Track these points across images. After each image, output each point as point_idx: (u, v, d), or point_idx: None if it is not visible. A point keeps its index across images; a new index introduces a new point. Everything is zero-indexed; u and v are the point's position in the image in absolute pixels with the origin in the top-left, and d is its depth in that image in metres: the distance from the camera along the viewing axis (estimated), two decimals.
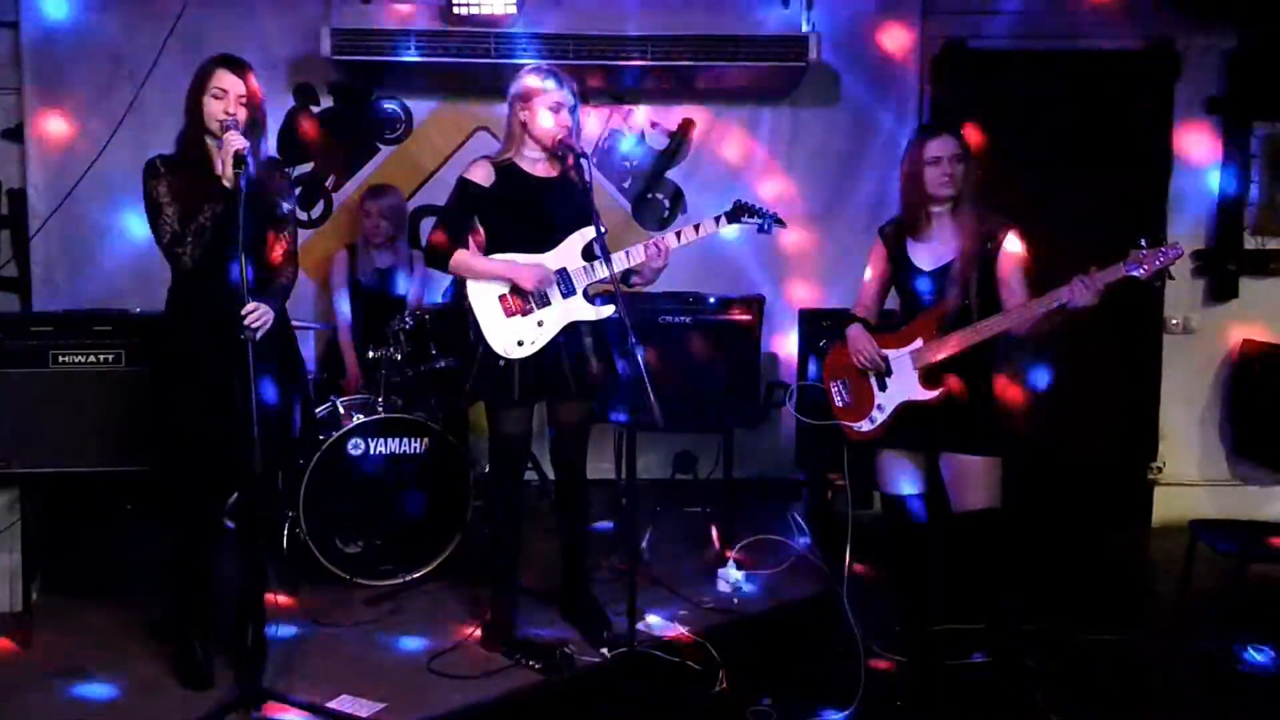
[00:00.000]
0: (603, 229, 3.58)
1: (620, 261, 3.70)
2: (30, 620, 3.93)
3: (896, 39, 5.70)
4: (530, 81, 3.71)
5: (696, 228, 3.80)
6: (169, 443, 3.48)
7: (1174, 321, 5.77)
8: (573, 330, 3.75)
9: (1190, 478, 5.85)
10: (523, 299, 3.71)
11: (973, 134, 3.63)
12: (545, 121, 3.68)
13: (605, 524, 5.00)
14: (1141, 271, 3.27)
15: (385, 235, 5.23)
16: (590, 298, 3.77)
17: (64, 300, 5.41)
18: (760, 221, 3.85)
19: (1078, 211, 5.24)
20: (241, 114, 3.38)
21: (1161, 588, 4.65)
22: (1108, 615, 4.34)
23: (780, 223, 3.90)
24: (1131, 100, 5.57)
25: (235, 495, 3.73)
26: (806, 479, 5.40)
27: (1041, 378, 5.28)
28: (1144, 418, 5.73)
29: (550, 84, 3.69)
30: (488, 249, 3.80)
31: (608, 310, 3.75)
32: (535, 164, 3.78)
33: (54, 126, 5.50)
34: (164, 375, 3.51)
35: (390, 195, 5.30)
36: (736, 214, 3.84)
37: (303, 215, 5.78)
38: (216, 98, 3.37)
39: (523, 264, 3.70)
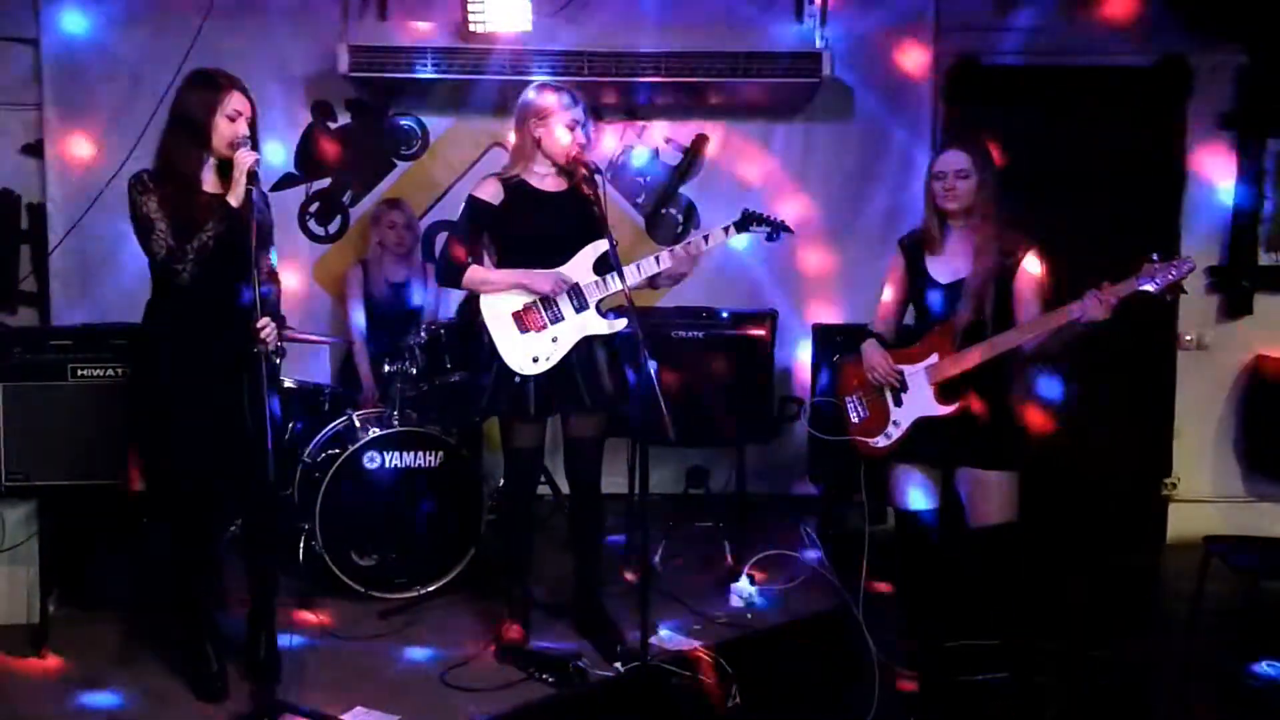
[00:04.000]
0: (614, 241, 3.61)
1: (649, 267, 3.74)
2: (47, 633, 3.94)
3: (910, 55, 5.72)
4: (545, 99, 3.73)
5: (706, 238, 3.82)
6: (168, 457, 3.50)
7: (1188, 338, 5.76)
8: (586, 344, 3.78)
9: (1205, 494, 5.83)
10: (537, 314, 3.73)
11: (992, 150, 3.62)
12: (562, 139, 3.70)
13: (617, 537, 5.00)
14: (1153, 285, 3.27)
15: (407, 246, 5.26)
16: (603, 312, 3.79)
17: (82, 315, 5.47)
18: (769, 229, 3.87)
19: (1091, 228, 5.24)
20: (247, 133, 3.43)
21: (1176, 604, 4.62)
22: (1122, 631, 4.33)
23: (788, 230, 3.90)
24: (1144, 116, 5.58)
25: (246, 508, 3.74)
26: (819, 494, 5.40)
27: (1055, 393, 5.26)
28: (1158, 434, 5.72)
29: (566, 101, 3.72)
30: (499, 265, 3.82)
31: (621, 324, 3.77)
32: (544, 179, 3.80)
33: (73, 142, 5.56)
34: (160, 390, 3.46)
35: (406, 207, 5.36)
36: (745, 223, 3.85)
37: (319, 230, 5.82)
38: (232, 120, 3.40)
39: (536, 272, 3.72)
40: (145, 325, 3.52)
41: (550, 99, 3.73)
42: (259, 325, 3.26)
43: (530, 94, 3.77)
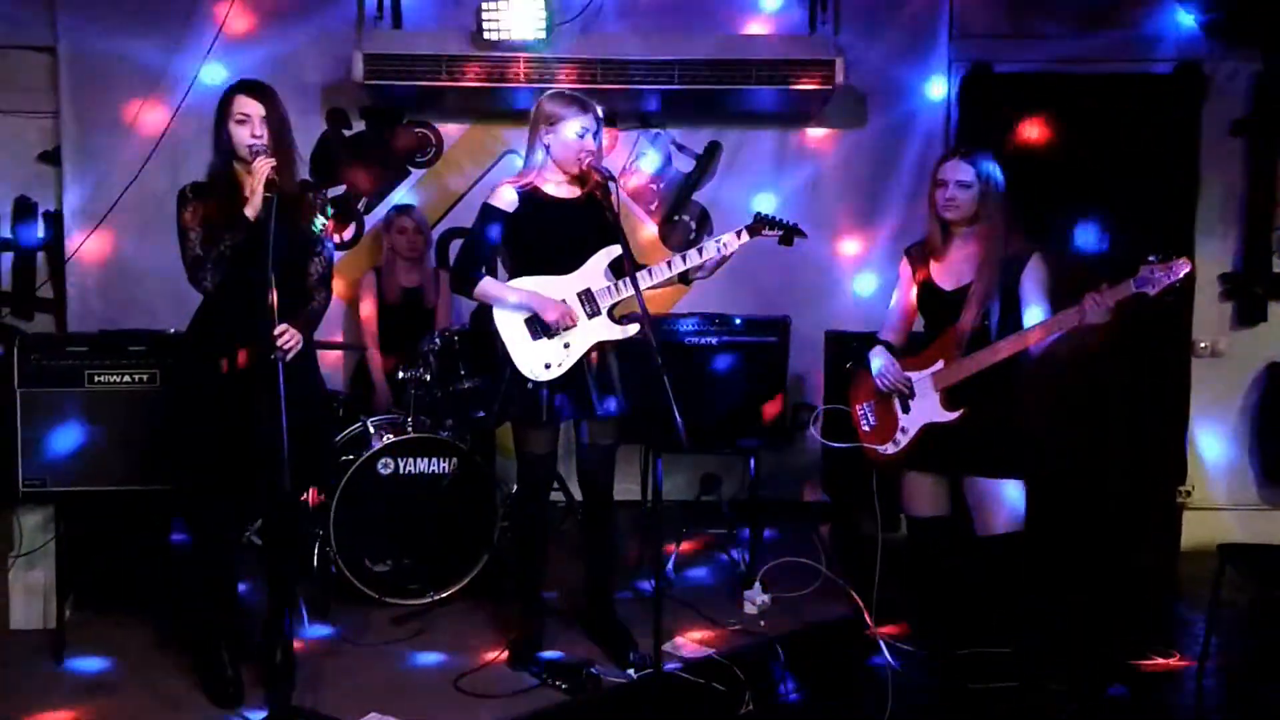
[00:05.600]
0: (628, 246, 3.62)
1: (661, 273, 3.75)
2: (64, 637, 3.97)
3: (924, 62, 5.73)
4: (556, 107, 3.73)
5: (718, 243, 3.83)
6: (188, 461, 3.53)
7: (1202, 345, 5.73)
8: (599, 350, 3.78)
9: (1219, 502, 5.80)
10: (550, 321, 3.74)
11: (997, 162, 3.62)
12: (573, 146, 3.71)
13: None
14: (1151, 287, 3.27)
15: (419, 251, 5.29)
16: (615, 318, 3.80)
17: (99, 321, 5.49)
18: (782, 233, 3.87)
19: (1104, 235, 5.23)
20: (267, 137, 3.42)
21: (1189, 612, 4.61)
22: (1135, 639, 4.32)
23: (801, 233, 3.88)
24: (1158, 124, 5.56)
25: (263, 514, 3.77)
26: (831, 501, 5.40)
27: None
28: (1172, 442, 5.70)
29: (577, 109, 3.72)
30: (513, 272, 3.84)
31: (633, 329, 3.77)
32: (558, 186, 3.81)
33: (90, 150, 5.58)
34: (183, 394, 3.57)
35: (419, 213, 5.39)
36: (757, 227, 3.84)
37: (334, 238, 5.84)
38: (240, 123, 3.42)
39: (546, 297, 3.73)
40: (188, 330, 3.62)
41: (562, 106, 3.73)
42: (276, 333, 3.28)
43: (542, 102, 3.78)
